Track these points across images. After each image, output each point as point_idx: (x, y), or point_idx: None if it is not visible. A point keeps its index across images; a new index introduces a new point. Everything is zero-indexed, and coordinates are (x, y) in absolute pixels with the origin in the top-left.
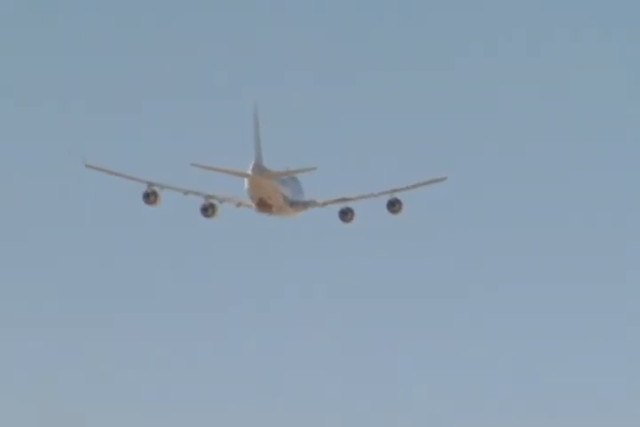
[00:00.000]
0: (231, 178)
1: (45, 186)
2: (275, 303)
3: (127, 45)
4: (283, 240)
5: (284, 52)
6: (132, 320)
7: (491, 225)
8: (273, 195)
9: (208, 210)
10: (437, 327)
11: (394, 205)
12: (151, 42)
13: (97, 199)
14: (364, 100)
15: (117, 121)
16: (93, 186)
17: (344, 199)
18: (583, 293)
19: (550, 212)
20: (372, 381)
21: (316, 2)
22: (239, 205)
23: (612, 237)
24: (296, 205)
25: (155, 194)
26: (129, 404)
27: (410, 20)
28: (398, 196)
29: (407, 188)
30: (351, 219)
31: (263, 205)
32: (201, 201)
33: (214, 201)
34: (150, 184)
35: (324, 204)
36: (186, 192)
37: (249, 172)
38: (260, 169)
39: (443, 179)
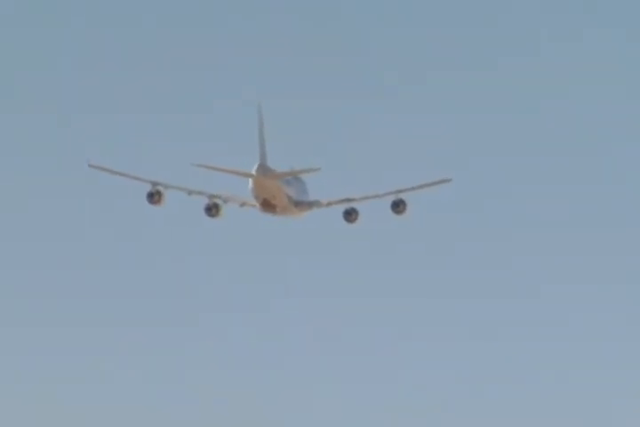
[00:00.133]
0: (235, 178)
1: (49, 186)
2: (278, 303)
3: (130, 45)
4: (287, 240)
5: (289, 51)
6: (135, 320)
7: (495, 226)
8: (277, 195)
9: (212, 210)
10: (443, 328)
11: (398, 206)
12: (155, 41)
13: (101, 199)
14: (369, 100)
15: (121, 121)
16: (97, 186)
17: (348, 200)
18: (586, 292)
19: (555, 212)
20: (379, 382)
21: (319, 1)
22: (243, 205)
23: (613, 238)
24: (300, 205)
25: (159, 194)
26: (129, 404)
27: (410, 21)
28: (403, 196)
29: (412, 188)
30: (355, 219)
31: (267, 206)
32: (205, 201)
33: (218, 201)
34: (154, 184)
35: (329, 204)
36: (190, 192)
37: (253, 172)
38: (264, 169)
39: (448, 180)
